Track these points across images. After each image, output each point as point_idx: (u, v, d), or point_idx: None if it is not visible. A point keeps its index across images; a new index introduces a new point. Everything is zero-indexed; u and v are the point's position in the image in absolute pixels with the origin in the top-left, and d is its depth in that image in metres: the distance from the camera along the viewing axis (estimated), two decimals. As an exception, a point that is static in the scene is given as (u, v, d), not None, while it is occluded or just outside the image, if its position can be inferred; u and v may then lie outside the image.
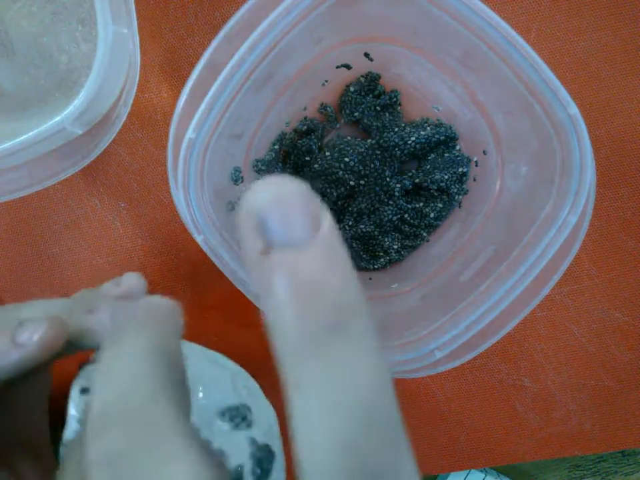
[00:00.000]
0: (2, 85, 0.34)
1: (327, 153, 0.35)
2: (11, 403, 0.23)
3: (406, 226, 0.36)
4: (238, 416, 0.25)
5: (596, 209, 0.37)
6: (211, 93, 0.27)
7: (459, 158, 0.35)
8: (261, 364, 0.39)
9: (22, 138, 0.29)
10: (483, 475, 0.52)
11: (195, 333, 0.37)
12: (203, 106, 0.27)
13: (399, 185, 0.35)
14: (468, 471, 0.52)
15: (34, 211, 0.38)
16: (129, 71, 0.32)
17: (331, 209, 0.36)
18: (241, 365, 0.38)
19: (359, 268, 0.37)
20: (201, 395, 0.24)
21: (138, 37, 0.31)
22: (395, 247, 0.36)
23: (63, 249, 0.39)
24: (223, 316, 0.36)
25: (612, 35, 0.36)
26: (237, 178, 0.33)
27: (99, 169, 0.38)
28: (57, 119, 0.29)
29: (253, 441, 0.25)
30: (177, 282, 0.38)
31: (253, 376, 0.38)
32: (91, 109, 0.29)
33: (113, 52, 0.29)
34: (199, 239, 0.28)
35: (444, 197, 0.36)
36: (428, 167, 0.35)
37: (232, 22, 0.27)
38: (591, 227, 0.37)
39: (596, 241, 0.37)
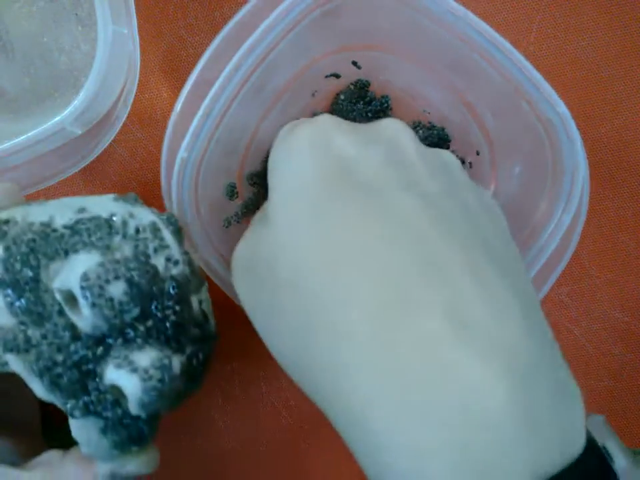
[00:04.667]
0: (2, 85, 0.34)
1: None
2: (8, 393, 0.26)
3: None
4: (131, 199, 0.25)
5: (596, 209, 0.37)
6: (200, 112, 0.27)
7: None
8: (261, 364, 0.39)
9: (22, 138, 0.29)
10: (483, 475, 0.52)
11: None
12: (193, 125, 0.27)
13: None
14: (468, 470, 0.52)
15: (34, 211, 0.38)
16: (128, 71, 0.32)
17: None
18: (240, 365, 0.38)
19: None
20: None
21: (138, 37, 0.31)
22: None
23: (63, 249, 0.39)
24: (223, 316, 0.36)
25: (613, 34, 0.36)
26: (232, 194, 0.33)
27: (98, 169, 0.38)
28: (57, 118, 0.29)
29: (152, 211, 0.25)
30: (177, 282, 0.38)
31: (254, 376, 0.38)
32: (91, 109, 0.29)
33: (112, 52, 0.29)
34: (195, 256, 0.29)
35: None
36: None
37: (217, 40, 0.28)
38: (591, 227, 0.37)
39: (596, 241, 0.37)
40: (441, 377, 0.15)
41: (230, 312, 0.30)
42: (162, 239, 0.24)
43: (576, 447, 0.17)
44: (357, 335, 0.16)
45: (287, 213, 0.19)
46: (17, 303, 0.21)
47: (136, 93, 0.33)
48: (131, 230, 0.23)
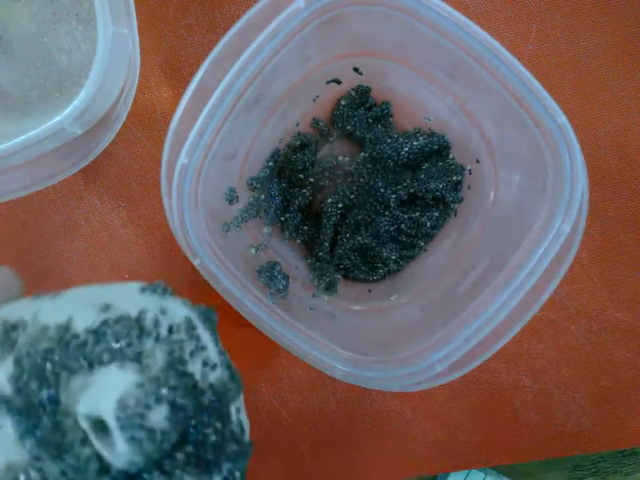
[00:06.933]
0: (2, 85, 0.34)
1: (320, 169, 0.35)
2: None
3: (403, 236, 0.36)
4: (159, 288, 0.21)
5: (596, 209, 0.37)
6: (201, 119, 0.27)
7: (452, 167, 0.35)
8: (261, 364, 0.39)
9: (22, 138, 0.29)
10: (483, 475, 0.52)
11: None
12: (194, 131, 0.27)
13: (394, 196, 0.35)
14: (468, 471, 0.52)
15: (34, 211, 0.38)
16: (128, 71, 0.32)
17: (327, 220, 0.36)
18: (241, 365, 0.38)
19: (358, 280, 0.37)
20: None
21: (138, 37, 0.31)
22: (393, 257, 0.36)
23: (62, 249, 0.39)
24: (223, 316, 0.36)
25: (612, 35, 0.36)
26: (231, 198, 0.33)
27: (99, 169, 0.38)
28: (57, 118, 0.29)
29: (184, 303, 0.21)
30: (176, 282, 0.38)
31: (254, 376, 0.38)
32: (91, 109, 0.29)
33: (112, 52, 0.29)
34: (195, 262, 0.29)
35: (440, 205, 0.35)
36: (422, 176, 0.35)
37: (220, 46, 0.27)
38: (591, 227, 0.37)
39: (596, 241, 0.37)
40: None
41: (230, 314, 0.30)
42: (198, 339, 0.20)
43: None
44: None
45: None
46: (32, 434, 0.17)
47: (136, 93, 0.33)
48: (163, 331, 0.19)
